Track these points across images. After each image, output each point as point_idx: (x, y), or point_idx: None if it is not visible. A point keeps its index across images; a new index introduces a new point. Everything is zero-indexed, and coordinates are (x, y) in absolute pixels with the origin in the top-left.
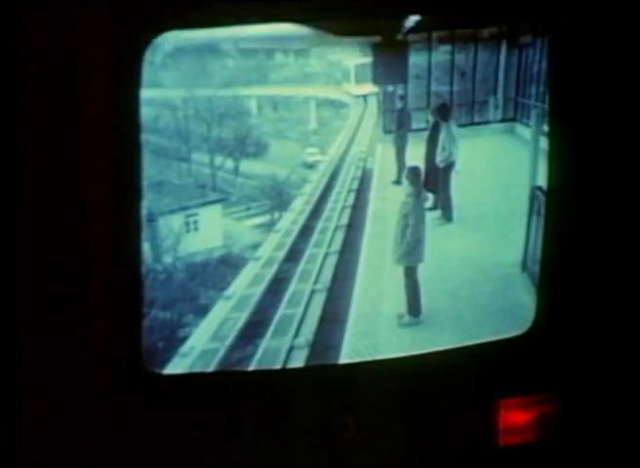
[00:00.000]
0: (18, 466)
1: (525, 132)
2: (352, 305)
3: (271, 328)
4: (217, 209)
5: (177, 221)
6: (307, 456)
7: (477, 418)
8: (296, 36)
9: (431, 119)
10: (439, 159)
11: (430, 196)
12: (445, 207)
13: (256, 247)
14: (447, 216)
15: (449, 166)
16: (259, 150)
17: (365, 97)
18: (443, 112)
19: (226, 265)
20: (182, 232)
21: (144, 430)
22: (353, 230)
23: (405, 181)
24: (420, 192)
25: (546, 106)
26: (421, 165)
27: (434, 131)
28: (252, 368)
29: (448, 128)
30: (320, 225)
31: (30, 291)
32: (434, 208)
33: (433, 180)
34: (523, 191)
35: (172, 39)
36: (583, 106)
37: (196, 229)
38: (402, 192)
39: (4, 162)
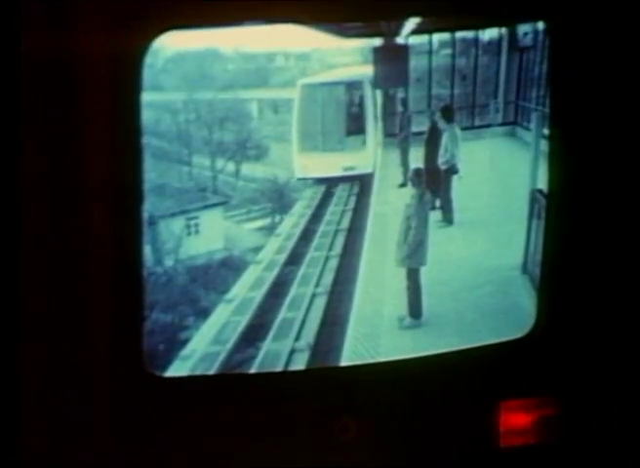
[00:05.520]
0: (18, 466)
1: (525, 135)
2: (353, 308)
3: (272, 331)
4: (218, 212)
5: (178, 224)
6: (308, 459)
7: (478, 420)
8: (296, 39)
9: (429, 122)
10: (441, 161)
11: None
12: (446, 209)
13: (257, 250)
14: (448, 219)
15: (450, 168)
16: (259, 153)
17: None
18: (447, 114)
19: (227, 268)
20: (184, 235)
21: (146, 433)
22: (354, 233)
23: (408, 183)
24: (424, 194)
25: (547, 110)
26: (423, 167)
27: (432, 133)
28: (253, 370)
29: (451, 130)
30: (321, 229)
31: (32, 293)
32: (433, 208)
33: (433, 181)
34: (523, 194)
35: (172, 43)
36: (584, 110)
37: (197, 232)
38: (405, 194)
39: (5, 165)
